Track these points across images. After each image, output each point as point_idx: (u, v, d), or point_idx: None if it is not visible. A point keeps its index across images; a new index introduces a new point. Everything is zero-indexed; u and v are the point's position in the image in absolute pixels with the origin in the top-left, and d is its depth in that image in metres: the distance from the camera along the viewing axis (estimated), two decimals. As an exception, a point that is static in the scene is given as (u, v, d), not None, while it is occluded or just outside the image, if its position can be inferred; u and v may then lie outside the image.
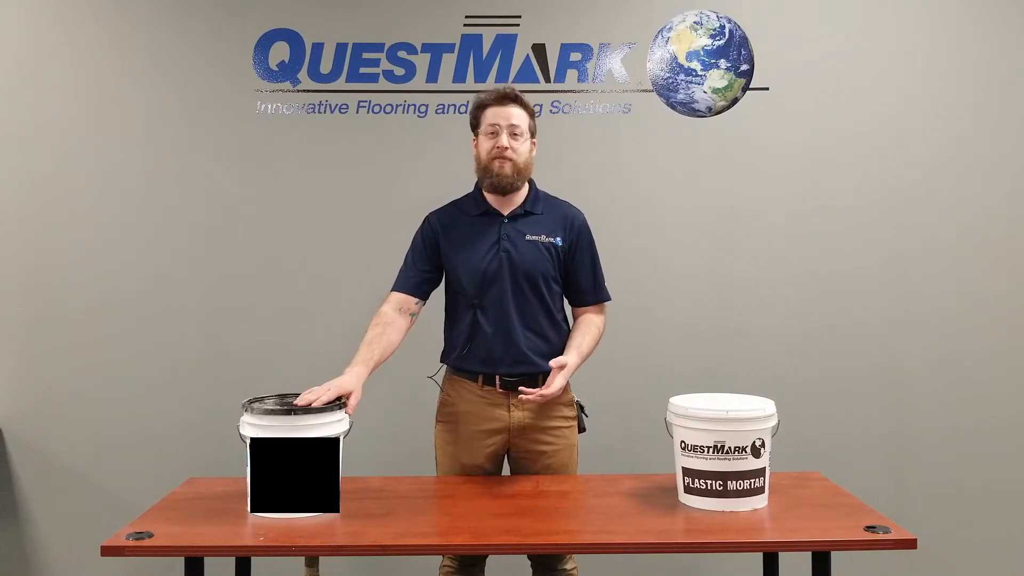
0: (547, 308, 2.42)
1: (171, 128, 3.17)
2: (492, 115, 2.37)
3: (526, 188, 2.45)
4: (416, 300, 2.44)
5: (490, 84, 3.13)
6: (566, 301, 2.52)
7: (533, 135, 2.44)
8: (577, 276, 2.47)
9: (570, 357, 2.34)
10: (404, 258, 2.49)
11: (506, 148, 2.34)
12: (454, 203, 2.51)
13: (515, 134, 2.36)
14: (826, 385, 3.18)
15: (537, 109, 3.04)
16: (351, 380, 2.20)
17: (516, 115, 2.37)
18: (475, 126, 2.44)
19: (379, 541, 1.91)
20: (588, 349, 2.41)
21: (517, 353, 2.37)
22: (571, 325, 2.50)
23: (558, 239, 2.43)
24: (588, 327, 2.45)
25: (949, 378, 3.18)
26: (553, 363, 2.29)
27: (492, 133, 2.37)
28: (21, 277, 3.17)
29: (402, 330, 2.40)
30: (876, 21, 3.18)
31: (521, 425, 2.40)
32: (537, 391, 2.26)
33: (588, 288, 2.48)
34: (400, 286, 2.45)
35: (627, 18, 3.18)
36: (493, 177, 2.37)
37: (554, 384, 2.27)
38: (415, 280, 2.45)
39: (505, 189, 2.39)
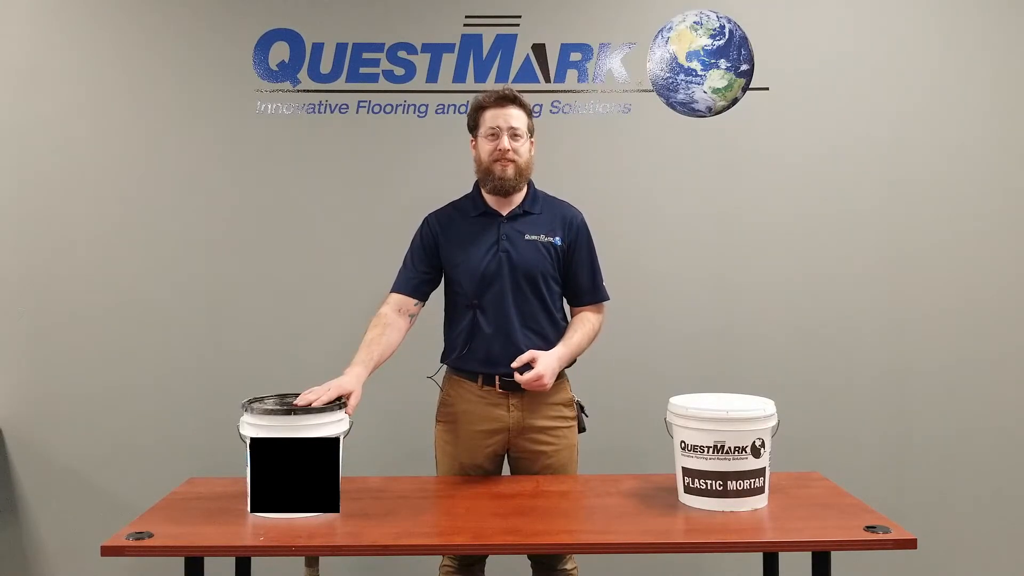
0: (547, 307, 2.42)
1: (171, 128, 3.17)
2: (491, 117, 2.37)
3: (525, 188, 2.46)
4: (415, 302, 2.45)
5: (490, 84, 3.13)
6: (565, 301, 2.53)
7: (532, 134, 2.44)
8: (576, 276, 2.47)
9: (554, 349, 2.34)
10: (403, 259, 2.49)
11: (508, 150, 2.35)
12: (453, 204, 2.51)
13: (515, 135, 2.37)
14: (826, 385, 3.18)
15: (537, 109, 3.06)
16: (351, 380, 2.20)
17: (515, 116, 2.37)
18: (473, 127, 2.43)
19: (379, 541, 1.91)
20: (577, 343, 2.41)
21: (517, 353, 2.36)
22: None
23: (557, 238, 2.43)
24: (582, 323, 2.45)
25: (949, 379, 3.18)
26: (524, 356, 2.28)
27: (492, 135, 2.36)
28: (21, 277, 3.17)
29: (402, 331, 2.40)
30: (877, 21, 3.18)
31: (521, 425, 2.40)
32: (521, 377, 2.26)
33: (587, 288, 2.48)
34: (399, 288, 2.46)
35: (627, 18, 3.18)
36: (496, 180, 2.37)
37: (537, 368, 2.26)
38: (414, 282, 2.45)
39: (508, 191, 2.39)
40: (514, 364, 2.28)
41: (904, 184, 3.18)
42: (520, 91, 2.43)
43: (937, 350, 3.18)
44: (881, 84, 3.17)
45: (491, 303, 2.39)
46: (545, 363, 2.29)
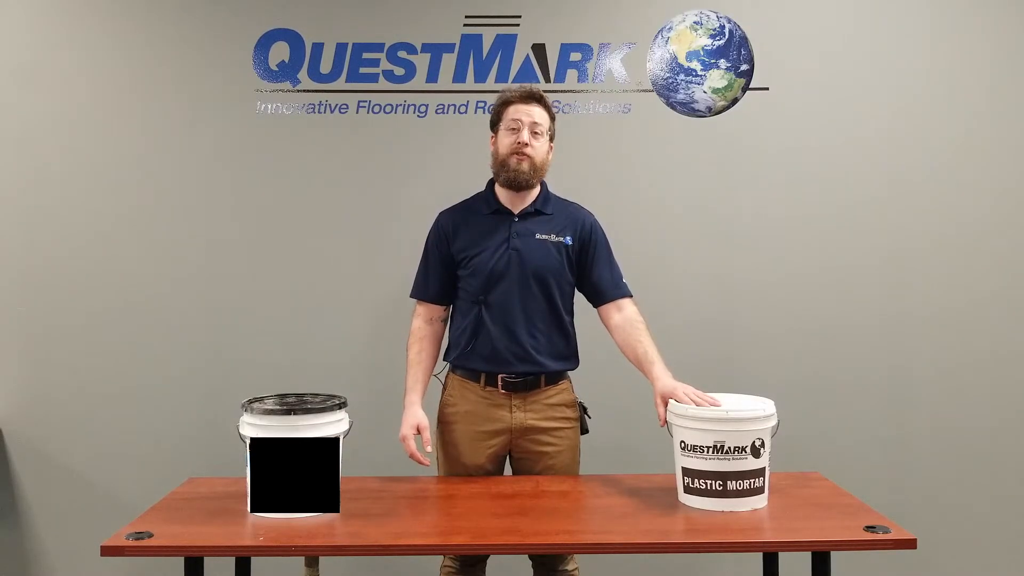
0: (554, 308, 2.43)
1: (171, 128, 3.17)
2: (515, 111, 2.39)
3: (537, 188, 2.47)
4: (443, 308, 2.51)
5: (490, 84, 3.13)
6: (581, 302, 2.53)
7: (551, 138, 2.45)
8: (595, 275, 2.47)
9: (664, 378, 2.30)
10: (420, 264, 2.52)
11: (526, 144, 2.36)
12: (465, 202, 2.53)
13: (536, 132, 2.38)
14: (826, 385, 3.18)
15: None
16: (419, 413, 2.38)
17: (538, 115, 2.39)
18: (495, 122, 2.44)
19: (379, 541, 1.91)
20: (656, 349, 2.39)
21: (520, 352, 2.38)
22: (611, 328, 2.47)
23: (568, 238, 2.43)
24: (638, 330, 2.42)
25: (949, 378, 3.18)
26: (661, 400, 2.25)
27: (513, 129, 2.38)
28: (21, 277, 3.17)
29: (437, 338, 2.50)
30: (876, 21, 3.17)
31: (523, 426, 2.40)
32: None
33: (609, 286, 2.48)
34: (422, 295, 2.50)
35: (627, 18, 3.18)
36: (510, 172, 2.38)
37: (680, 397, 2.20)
38: (435, 288, 2.49)
39: (520, 185, 2.40)
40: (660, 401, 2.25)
41: (904, 183, 3.18)
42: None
43: (937, 349, 3.18)
44: (881, 84, 3.17)
45: (498, 300, 2.39)
46: (678, 389, 2.22)
